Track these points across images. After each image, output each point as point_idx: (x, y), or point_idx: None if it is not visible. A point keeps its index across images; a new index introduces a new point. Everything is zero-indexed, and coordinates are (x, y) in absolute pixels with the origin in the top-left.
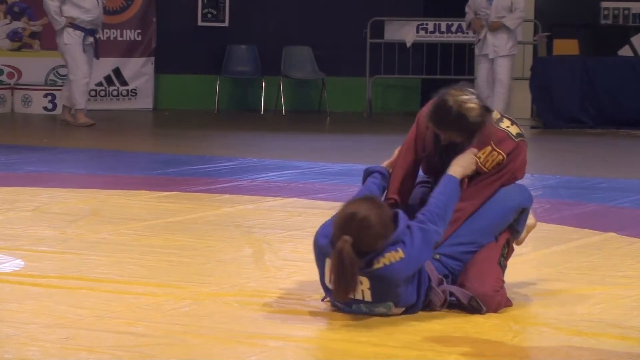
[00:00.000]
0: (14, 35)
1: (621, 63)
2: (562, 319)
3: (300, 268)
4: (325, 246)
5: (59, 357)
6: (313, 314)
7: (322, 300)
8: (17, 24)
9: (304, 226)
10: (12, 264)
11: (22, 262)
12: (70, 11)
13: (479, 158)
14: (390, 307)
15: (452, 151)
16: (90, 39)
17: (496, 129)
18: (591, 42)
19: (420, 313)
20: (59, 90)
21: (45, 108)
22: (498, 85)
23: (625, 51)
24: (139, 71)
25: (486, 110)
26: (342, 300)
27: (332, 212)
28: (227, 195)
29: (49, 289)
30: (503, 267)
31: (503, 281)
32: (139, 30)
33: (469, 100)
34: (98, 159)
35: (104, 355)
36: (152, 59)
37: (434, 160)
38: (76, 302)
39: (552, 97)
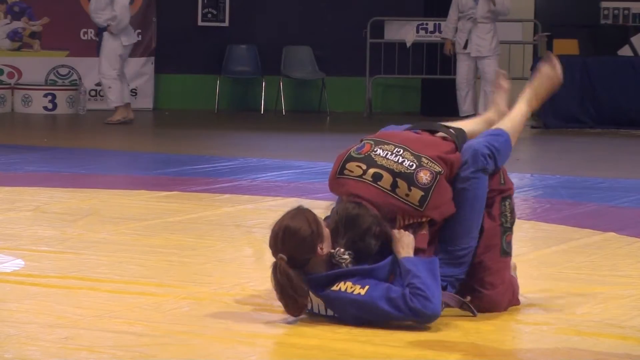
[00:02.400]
0: (14, 35)
1: (621, 63)
2: (562, 318)
3: None
4: None
5: (59, 356)
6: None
7: None
8: (17, 24)
9: None
10: (12, 263)
11: (22, 262)
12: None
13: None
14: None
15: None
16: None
17: (397, 204)
18: (591, 42)
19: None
20: (59, 90)
21: (45, 108)
22: (487, 85)
23: (625, 51)
24: (139, 71)
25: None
26: (295, 315)
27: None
28: (227, 195)
29: (49, 288)
30: (507, 251)
31: (511, 275)
32: (139, 30)
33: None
34: (98, 159)
35: (104, 354)
36: (152, 58)
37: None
38: (76, 302)
39: (552, 96)
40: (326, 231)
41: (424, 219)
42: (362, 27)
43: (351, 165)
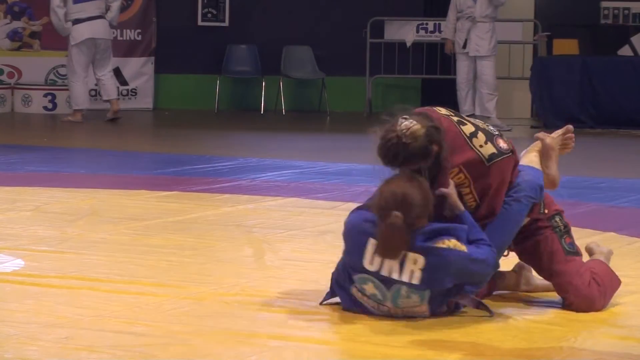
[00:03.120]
0: (14, 35)
1: (621, 63)
2: (563, 318)
3: (300, 268)
4: (370, 228)
5: (59, 356)
6: (313, 313)
7: (321, 303)
8: (17, 24)
9: (304, 226)
10: (12, 263)
11: (22, 262)
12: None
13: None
14: (424, 299)
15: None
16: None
17: (466, 149)
18: (591, 42)
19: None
20: (59, 90)
21: (45, 108)
22: (484, 86)
23: (625, 51)
24: (139, 71)
25: (435, 129)
26: (390, 258)
27: (333, 212)
28: (227, 195)
29: (48, 288)
30: (570, 250)
31: (586, 270)
32: (139, 30)
33: (411, 125)
34: (98, 159)
35: (104, 354)
36: (152, 58)
37: None
38: (76, 302)
39: (551, 96)
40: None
41: (472, 186)
42: (362, 27)
43: (441, 108)
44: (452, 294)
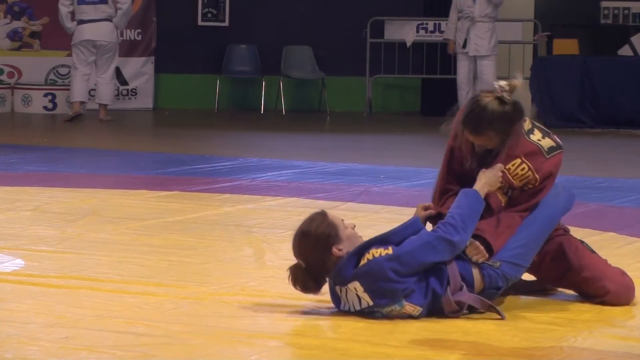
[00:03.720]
0: (14, 35)
1: (621, 63)
2: (563, 318)
3: None
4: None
5: (59, 356)
6: (313, 313)
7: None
8: (18, 24)
9: None
10: (12, 263)
11: (22, 262)
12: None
13: (508, 170)
14: (403, 305)
15: (484, 164)
16: None
17: (526, 141)
18: (591, 42)
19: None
20: (59, 89)
21: (45, 107)
22: (484, 86)
23: (625, 51)
24: (139, 71)
25: (517, 106)
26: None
27: (333, 212)
28: (227, 195)
29: (48, 288)
30: (591, 248)
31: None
32: (139, 30)
33: (502, 86)
34: (98, 159)
35: (104, 354)
36: (152, 58)
37: (469, 171)
38: (76, 302)
39: (551, 96)
40: (347, 232)
41: (530, 172)
42: (362, 27)
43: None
44: (430, 280)
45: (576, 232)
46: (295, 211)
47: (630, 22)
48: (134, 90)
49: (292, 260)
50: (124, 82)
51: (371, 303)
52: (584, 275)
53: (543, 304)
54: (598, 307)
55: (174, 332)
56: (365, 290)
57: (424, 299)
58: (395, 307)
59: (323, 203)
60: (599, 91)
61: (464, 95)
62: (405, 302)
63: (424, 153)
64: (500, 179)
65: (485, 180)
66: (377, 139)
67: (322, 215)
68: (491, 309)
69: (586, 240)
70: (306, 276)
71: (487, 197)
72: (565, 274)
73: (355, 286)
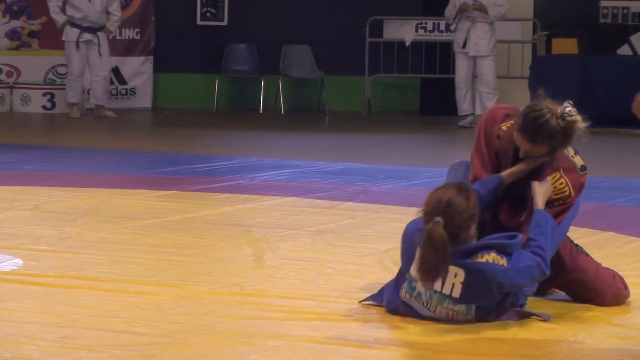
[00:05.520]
0: (12, 34)
1: (620, 62)
2: (562, 317)
3: (299, 267)
4: (419, 239)
5: (58, 356)
6: (312, 312)
7: (361, 302)
8: (16, 23)
9: (303, 225)
10: (11, 262)
11: (21, 261)
12: (68, 10)
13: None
14: (471, 310)
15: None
16: (88, 37)
17: (563, 156)
18: (590, 41)
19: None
20: (58, 89)
21: (44, 107)
22: (484, 86)
23: (625, 50)
24: (138, 70)
25: (573, 127)
26: (428, 283)
27: (331, 211)
28: (226, 194)
29: (47, 288)
30: (584, 251)
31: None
32: (138, 29)
33: (570, 112)
34: (97, 158)
35: (103, 354)
36: (151, 57)
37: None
38: (75, 301)
39: (551, 96)
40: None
41: (567, 188)
42: (361, 26)
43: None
44: (505, 304)
45: (575, 232)
46: (294, 210)
47: (630, 22)
48: (132, 90)
49: (292, 260)
50: (122, 81)
51: (457, 297)
52: (575, 277)
53: (542, 303)
54: (597, 307)
55: (173, 332)
56: (463, 284)
57: (485, 312)
58: (459, 308)
59: (322, 202)
60: (598, 90)
61: (463, 95)
62: (473, 310)
63: (422, 153)
64: (549, 186)
65: (544, 196)
66: (376, 138)
67: (471, 191)
68: (531, 315)
69: (585, 240)
70: (444, 233)
71: None
72: (558, 275)
73: (458, 273)
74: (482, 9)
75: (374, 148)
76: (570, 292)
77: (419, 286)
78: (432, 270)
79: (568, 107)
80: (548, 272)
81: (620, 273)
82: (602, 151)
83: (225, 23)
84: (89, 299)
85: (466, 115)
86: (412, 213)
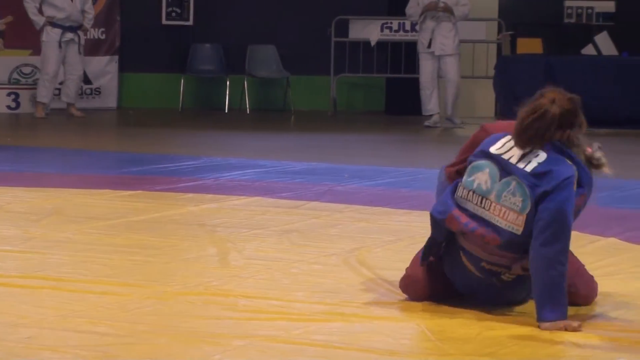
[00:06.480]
0: None
1: (585, 62)
2: (530, 315)
3: (264, 267)
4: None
5: (22, 356)
6: (277, 312)
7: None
8: None
9: (268, 225)
10: None
11: None
12: (47, 10)
13: None
14: (526, 209)
15: None
16: (70, 36)
17: None
18: (555, 41)
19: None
20: (23, 89)
21: (8, 107)
22: (450, 85)
23: (589, 50)
24: (103, 70)
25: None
26: (521, 146)
27: (297, 211)
28: (191, 194)
29: (12, 288)
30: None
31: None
32: (103, 29)
33: (600, 159)
34: (62, 158)
35: (67, 354)
36: (116, 57)
37: None
38: (39, 302)
39: (515, 95)
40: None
41: None
42: (327, 26)
43: None
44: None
45: None
46: (259, 210)
47: (594, 22)
48: (97, 90)
49: (257, 259)
50: (87, 81)
51: (528, 171)
52: None
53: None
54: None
55: (138, 332)
56: (541, 163)
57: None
58: (518, 199)
59: (287, 202)
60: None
61: (428, 94)
62: (524, 214)
63: (388, 152)
64: None
65: None
66: (342, 138)
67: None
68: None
69: None
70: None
71: None
72: None
73: (541, 154)
74: (448, 10)
75: (340, 148)
76: None
77: (480, 176)
78: (534, 136)
79: (598, 153)
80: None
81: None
82: None
83: (190, 23)
84: (53, 299)
85: (431, 115)
86: (377, 213)
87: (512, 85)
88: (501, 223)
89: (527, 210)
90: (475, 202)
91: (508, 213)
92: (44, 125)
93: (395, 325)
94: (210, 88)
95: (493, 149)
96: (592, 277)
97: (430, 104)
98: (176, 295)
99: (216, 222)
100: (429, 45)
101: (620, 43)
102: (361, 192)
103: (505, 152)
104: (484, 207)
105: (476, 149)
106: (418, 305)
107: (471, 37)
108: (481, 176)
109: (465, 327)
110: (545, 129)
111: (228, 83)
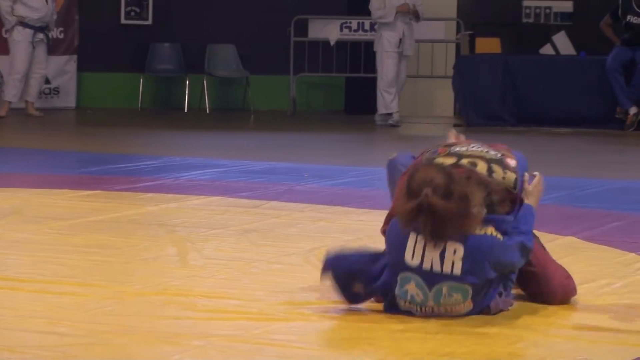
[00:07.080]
0: None
1: (543, 61)
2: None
3: (223, 266)
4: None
5: None
6: (237, 312)
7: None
8: None
9: (228, 224)
10: None
11: None
12: (20, 10)
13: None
14: (467, 296)
15: None
16: (41, 36)
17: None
18: (513, 41)
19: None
20: None
21: None
22: (400, 84)
23: (547, 50)
24: (62, 69)
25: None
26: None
27: (256, 210)
28: (150, 194)
29: None
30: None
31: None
32: (62, 29)
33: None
34: (20, 158)
35: (26, 355)
36: (75, 57)
37: None
38: None
39: (474, 95)
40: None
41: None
42: (286, 25)
43: (440, 160)
44: (495, 288)
45: None
46: (218, 210)
47: (552, 21)
48: (56, 89)
49: (216, 259)
50: (46, 80)
51: (456, 272)
52: (530, 270)
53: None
54: (541, 305)
55: (97, 332)
56: (463, 258)
57: (481, 299)
58: (457, 297)
59: (247, 202)
60: (521, 90)
61: (393, 93)
62: (469, 298)
63: (347, 151)
64: (541, 189)
65: (537, 195)
66: (301, 137)
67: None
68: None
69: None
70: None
71: None
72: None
73: (457, 248)
74: (416, 14)
75: (299, 147)
76: (522, 285)
77: (411, 288)
78: (446, 231)
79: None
80: (523, 259)
81: None
82: (524, 150)
83: (149, 22)
84: (11, 300)
85: (391, 114)
86: (337, 212)
87: (470, 85)
88: (452, 313)
89: (470, 294)
90: (417, 309)
91: (453, 307)
92: (2, 125)
93: (354, 325)
94: (170, 87)
95: (409, 260)
96: (567, 275)
97: (394, 102)
98: (135, 296)
99: (176, 221)
100: (399, 45)
101: (577, 43)
102: (321, 192)
103: (422, 262)
104: (427, 311)
105: (391, 257)
106: (377, 305)
107: (430, 37)
108: (411, 288)
109: (425, 326)
110: (467, 226)
111: (187, 82)
